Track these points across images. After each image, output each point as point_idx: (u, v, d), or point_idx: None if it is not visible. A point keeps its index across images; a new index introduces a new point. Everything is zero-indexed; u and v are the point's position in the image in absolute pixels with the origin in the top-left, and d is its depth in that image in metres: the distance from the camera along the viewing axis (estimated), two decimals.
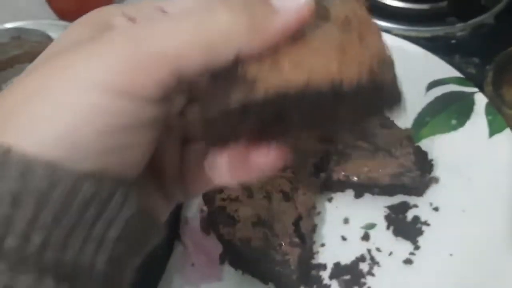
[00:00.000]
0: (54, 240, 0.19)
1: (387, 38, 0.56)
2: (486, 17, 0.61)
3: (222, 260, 0.46)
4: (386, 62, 0.22)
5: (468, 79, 0.53)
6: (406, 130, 0.49)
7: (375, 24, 0.23)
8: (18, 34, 0.65)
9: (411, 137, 0.48)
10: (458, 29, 0.61)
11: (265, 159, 0.23)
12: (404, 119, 0.51)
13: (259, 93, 0.21)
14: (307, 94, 0.21)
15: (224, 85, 0.22)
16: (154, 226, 0.24)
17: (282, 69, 0.21)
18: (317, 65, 0.21)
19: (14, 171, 0.18)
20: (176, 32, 0.20)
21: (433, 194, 0.48)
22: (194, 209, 0.48)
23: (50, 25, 0.73)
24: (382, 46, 0.22)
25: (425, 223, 0.46)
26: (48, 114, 0.19)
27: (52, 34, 0.64)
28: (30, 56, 0.68)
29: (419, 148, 0.48)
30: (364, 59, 0.21)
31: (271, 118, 0.21)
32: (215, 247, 0.46)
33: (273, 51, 0.22)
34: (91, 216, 0.20)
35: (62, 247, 0.20)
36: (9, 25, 0.70)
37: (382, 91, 0.22)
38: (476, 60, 0.58)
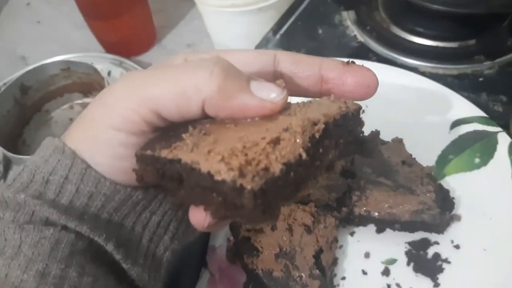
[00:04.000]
0: (114, 221, 0.30)
1: (413, 77, 0.58)
2: None
3: None
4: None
5: (491, 119, 0.54)
6: (428, 167, 0.50)
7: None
8: (68, 66, 0.70)
9: (432, 175, 0.49)
10: (486, 67, 0.62)
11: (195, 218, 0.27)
12: (427, 156, 0.52)
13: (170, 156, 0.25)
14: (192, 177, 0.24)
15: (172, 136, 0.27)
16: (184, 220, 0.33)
17: (198, 146, 0.25)
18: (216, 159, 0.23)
19: (91, 182, 0.29)
20: (161, 81, 0.27)
21: (454, 231, 0.49)
22: (221, 239, 0.51)
23: (97, 57, 0.79)
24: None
25: (446, 261, 0.47)
26: (93, 149, 0.29)
27: (99, 66, 0.69)
28: (77, 86, 0.73)
29: (440, 185, 0.49)
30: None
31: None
32: (239, 275, 0.48)
33: (220, 125, 0.26)
34: (139, 209, 0.31)
35: (120, 226, 0.30)
36: (59, 58, 0.76)
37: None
38: (503, 98, 0.59)
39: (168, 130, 0.28)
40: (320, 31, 0.70)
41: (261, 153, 0.23)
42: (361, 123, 0.29)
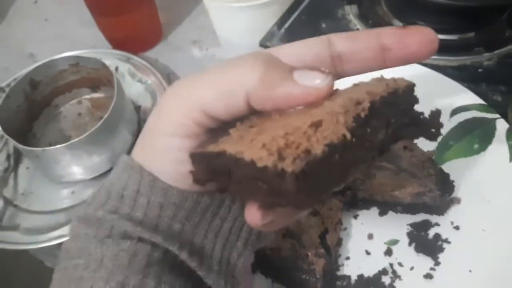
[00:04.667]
0: (187, 229, 0.31)
1: (414, 67, 0.60)
2: None
3: (254, 269, 0.49)
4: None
5: (489, 106, 0.55)
6: (429, 152, 0.51)
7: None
8: (76, 62, 0.71)
9: (433, 159, 0.51)
10: (485, 58, 0.64)
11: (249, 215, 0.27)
12: (428, 143, 0.54)
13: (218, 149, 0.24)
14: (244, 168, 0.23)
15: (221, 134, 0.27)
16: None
17: (244, 139, 0.24)
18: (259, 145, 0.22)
19: (160, 192, 0.30)
20: (206, 83, 0.28)
21: (454, 213, 0.50)
22: None
23: (105, 53, 0.80)
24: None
25: (446, 241, 0.49)
26: (155, 158, 0.30)
27: (107, 61, 0.70)
28: (86, 81, 0.74)
29: (441, 169, 0.51)
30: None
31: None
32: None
33: (267, 117, 0.26)
34: (209, 216, 0.31)
35: (192, 234, 0.31)
36: (68, 54, 0.77)
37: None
38: (502, 88, 0.60)
39: (219, 130, 0.28)
40: (323, 25, 0.72)
41: (302, 136, 0.22)
42: (415, 101, 0.28)
